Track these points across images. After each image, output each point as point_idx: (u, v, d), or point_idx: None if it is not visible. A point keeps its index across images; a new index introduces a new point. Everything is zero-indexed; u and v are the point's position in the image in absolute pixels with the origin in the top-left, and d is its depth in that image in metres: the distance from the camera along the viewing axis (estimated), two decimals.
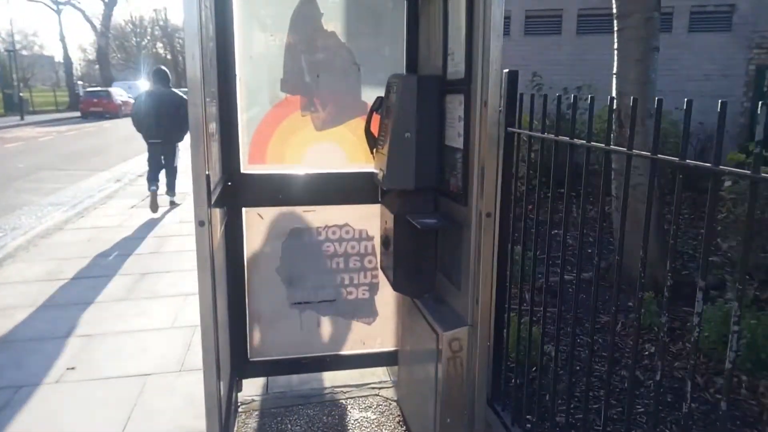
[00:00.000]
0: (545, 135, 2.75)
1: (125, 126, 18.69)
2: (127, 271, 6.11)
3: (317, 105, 3.19)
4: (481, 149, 2.33)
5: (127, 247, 7.07)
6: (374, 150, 3.06)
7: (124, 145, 18.31)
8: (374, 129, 3.04)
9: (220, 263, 2.84)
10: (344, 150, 3.26)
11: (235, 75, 2.99)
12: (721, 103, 1.67)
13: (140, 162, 13.45)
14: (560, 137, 3.24)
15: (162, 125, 8.51)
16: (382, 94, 3.01)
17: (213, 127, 2.70)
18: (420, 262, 2.88)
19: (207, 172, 2.19)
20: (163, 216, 8.81)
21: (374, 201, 3.26)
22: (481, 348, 2.44)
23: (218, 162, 2.87)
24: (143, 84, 31.01)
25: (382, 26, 3.19)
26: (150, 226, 8.20)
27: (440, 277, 2.88)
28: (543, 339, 3.64)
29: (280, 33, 3.08)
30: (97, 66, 55.74)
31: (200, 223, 2.14)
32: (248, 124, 3.12)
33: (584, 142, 2.42)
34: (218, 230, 2.71)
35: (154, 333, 4.59)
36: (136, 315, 4.94)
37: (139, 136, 9.03)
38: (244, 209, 3.18)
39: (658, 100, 2.29)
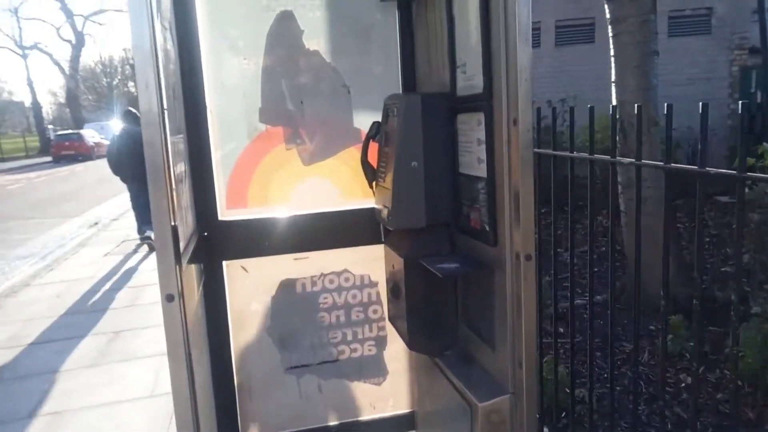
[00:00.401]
0: (560, 153, 2.34)
1: (99, 167, 18.07)
2: (100, 330, 5.54)
3: (303, 136, 2.74)
4: (511, 176, 1.90)
5: (99, 301, 6.50)
6: (374, 183, 2.61)
7: (98, 188, 17.68)
8: (372, 159, 2.60)
9: (199, 331, 2.35)
10: (338, 185, 2.81)
11: (205, 106, 2.53)
12: (703, 105, 1.53)
13: (115, 205, 12.85)
14: (579, 154, 2.85)
15: (134, 165, 8.05)
16: (379, 119, 2.58)
17: (182, 168, 2.24)
18: (439, 314, 2.42)
19: (173, 223, 1.73)
20: (139, 262, 8.24)
21: (376, 241, 2.81)
22: (529, 420, 1.98)
23: (190, 210, 2.40)
24: (116, 124, 30.42)
25: (372, 41, 2.77)
26: (126, 275, 7.63)
27: (464, 330, 2.42)
28: (573, 381, 3.18)
29: (255, 56, 2.65)
30: (67, 109, 54.93)
31: (168, 298, 1.66)
32: (224, 162, 2.66)
33: (587, 155, 2.15)
34: (194, 294, 2.23)
35: (131, 405, 4.04)
36: (110, 383, 4.38)
37: (114, 178, 8.62)
38: (224, 263, 2.70)
39: (667, 105, 2.18)
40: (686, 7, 11.22)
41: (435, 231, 2.40)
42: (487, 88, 1.96)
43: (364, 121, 2.73)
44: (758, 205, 4.98)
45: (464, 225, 2.30)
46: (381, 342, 2.96)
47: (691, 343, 1.46)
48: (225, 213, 2.70)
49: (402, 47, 2.75)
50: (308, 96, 2.72)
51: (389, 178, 2.37)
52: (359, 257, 2.89)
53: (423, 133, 2.29)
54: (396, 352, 2.97)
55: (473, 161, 2.15)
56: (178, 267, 1.71)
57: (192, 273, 2.20)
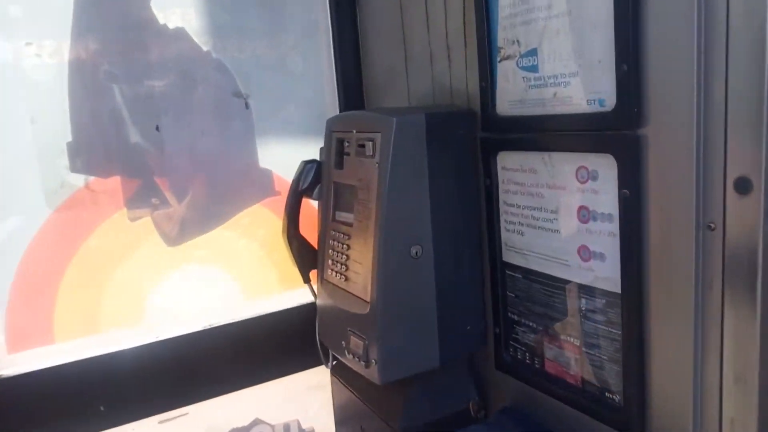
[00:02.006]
0: None
1: None
2: None
3: (165, 191, 1.44)
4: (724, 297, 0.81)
5: None
6: (312, 275, 1.40)
7: None
8: (307, 229, 1.37)
9: None
10: (235, 275, 1.54)
11: None
12: None
13: None
14: None
15: None
16: (312, 153, 1.37)
17: None
18: None
19: None
20: None
21: (310, 364, 1.59)
22: None
23: None
24: None
25: (285, 15, 1.55)
26: None
27: None
28: None
29: (54, 40, 1.30)
30: None
31: None
32: None
33: None
34: None
35: None
36: None
37: None
38: None
39: None
40: None
41: (452, 373, 1.25)
42: (628, 98, 0.85)
43: (280, 157, 1.50)
44: None
45: (518, 362, 1.18)
46: None
47: None
48: (9, 360, 1.31)
49: (338, 24, 1.56)
50: (170, 116, 1.42)
51: (361, 277, 1.18)
52: (282, 396, 1.64)
53: (432, 185, 1.13)
54: None
55: (555, 244, 1.03)
56: None
57: None
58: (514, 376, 1.18)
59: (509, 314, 1.17)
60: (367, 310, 1.14)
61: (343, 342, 1.24)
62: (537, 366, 1.12)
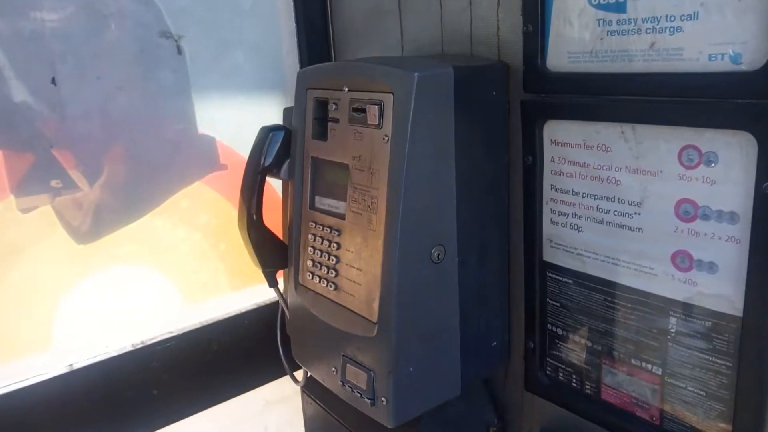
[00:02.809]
0: None
1: None
2: None
3: (68, 170, 1.04)
4: None
5: None
6: (270, 271, 1.08)
7: None
8: (272, 219, 1.05)
9: None
10: (172, 276, 1.19)
11: None
12: None
13: None
14: None
15: None
16: (271, 116, 1.05)
17: None
18: None
19: None
20: None
21: (269, 377, 1.30)
22: None
23: None
24: None
25: None
26: None
27: None
28: None
29: None
30: None
31: None
32: None
33: None
34: None
35: None
36: None
37: None
38: None
39: None
40: None
41: (469, 394, 1.00)
42: None
43: (224, 120, 1.15)
44: None
45: (559, 384, 0.95)
46: None
47: None
48: None
49: None
50: (71, 64, 1.02)
51: (362, 289, 0.88)
52: (234, 413, 1.33)
53: (459, 166, 0.84)
54: None
55: (634, 245, 0.79)
56: None
57: None
58: (551, 400, 0.95)
59: (549, 326, 0.92)
60: (374, 333, 0.86)
61: (333, 369, 0.95)
62: (588, 391, 0.89)
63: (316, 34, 1.22)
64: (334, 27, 1.22)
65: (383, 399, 0.86)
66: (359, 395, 0.90)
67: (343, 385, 0.93)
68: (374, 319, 0.86)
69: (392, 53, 1.09)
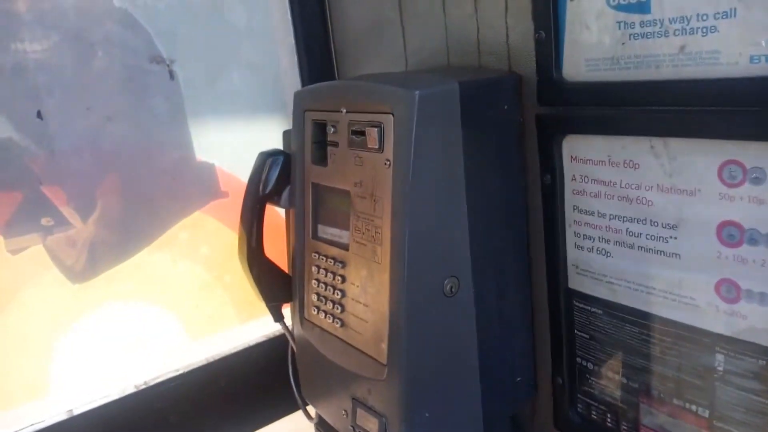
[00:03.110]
0: None
1: None
2: None
3: (59, 206, 0.99)
4: None
5: None
6: (275, 304, 1.01)
7: None
8: (278, 248, 0.98)
9: None
10: (176, 314, 1.13)
11: None
12: None
13: None
14: None
15: None
16: (273, 139, 0.98)
17: None
18: None
19: None
20: None
21: (281, 413, 1.24)
22: None
23: None
24: None
25: None
26: None
27: None
28: None
29: None
30: None
31: None
32: None
33: None
34: None
35: None
36: None
37: None
38: None
39: None
40: None
41: None
42: None
43: (223, 145, 1.09)
44: None
45: (592, 423, 0.86)
46: None
47: None
48: None
49: None
50: (57, 96, 0.97)
51: (369, 327, 0.81)
52: None
53: (470, 189, 0.76)
54: None
55: (670, 274, 0.70)
56: None
57: None
58: None
59: (579, 360, 0.84)
60: (384, 375, 0.78)
61: (343, 411, 0.88)
62: None
63: (317, 49, 1.16)
64: (335, 41, 1.15)
65: (381, 419, 0.79)
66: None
67: (354, 430, 0.85)
68: (383, 360, 0.78)
69: (396, 67, 1.02)
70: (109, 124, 1.00)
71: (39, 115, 0.94)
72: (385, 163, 0.75)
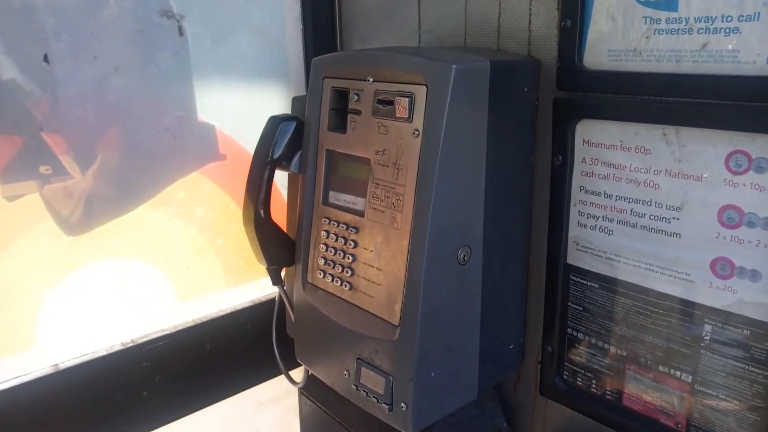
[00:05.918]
0: None
1: None
2: None
3: (58, 155, 0.97)
4: None
5: None
6: (276, 268, 1.03)
7: None
8: (279, 213, 1.00)
9: None
10: (167, 274, 1.13)
11: None
12: None
13: None
14: None
15: None
16: (274, 105, 0.99)
17: None
18: None
19: None
20: None
21: (263, 377, 1.25)
22: None
23: None
24: None
25: None
26: None
27: None
28: None
29: None
30: None
31: None
32: None
33: None
34: None
35: None
36: None
37: None
38: None
39: None
40: None
41: (480, 398, 0.97)
42: None
43: (224, 107, 1.09)
44: None
45: (577, 389, 0.93)
46: None
47: None
48: None
49: None
50: (65, 42, 0.94)
51: (382, 290, 0.84)
52: (224, 414, 1.28)
53: (489, 164, 0.81)
54: None
55: (670, 251, 0.77)
56: None
57: None
58: (567, 405, 0.94)
59: (570, 330, 0.90)
60: (396, 336, 0.82)
61: (345, 371, 0.91)
62: (609, 398, 0.87)
63: (322, 19, 1.17)
64: (342, 13, 1.16)
65: (403, 405, 0.83)
66: (375, 400, 0.86)
67: (357, 389, 0.89)
68: (396, 321, 0.82)
69: (407, 44, 1.05)
70: (115, 75, 0.98)
71: (45, 58, 0.91)
72: (414, 133, 0.78)
